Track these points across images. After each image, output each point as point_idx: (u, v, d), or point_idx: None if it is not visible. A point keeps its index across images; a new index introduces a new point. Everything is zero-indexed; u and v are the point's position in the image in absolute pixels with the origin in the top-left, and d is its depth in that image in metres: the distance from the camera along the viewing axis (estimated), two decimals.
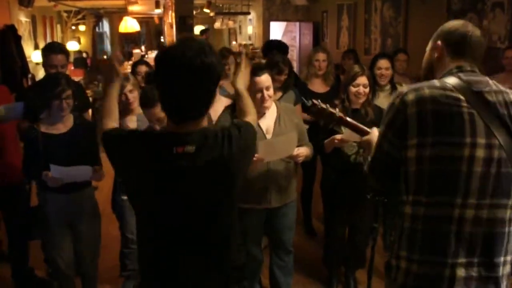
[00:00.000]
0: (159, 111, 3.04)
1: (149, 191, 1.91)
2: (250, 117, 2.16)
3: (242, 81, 2.33)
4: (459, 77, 1.90)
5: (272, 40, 5.99)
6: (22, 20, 10.80)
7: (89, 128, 3.30)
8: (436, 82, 1.92)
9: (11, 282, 3.98)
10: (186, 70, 1.75)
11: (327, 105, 2.64)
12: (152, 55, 13.91)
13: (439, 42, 2.03)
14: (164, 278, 1.96)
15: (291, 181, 3.33)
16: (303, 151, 3.19)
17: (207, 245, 1.94)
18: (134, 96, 3.56)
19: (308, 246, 4.64)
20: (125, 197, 3.32)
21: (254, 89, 3.08)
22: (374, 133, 2.32)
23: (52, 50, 3.80)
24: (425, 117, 1.84)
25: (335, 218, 3.77)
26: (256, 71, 3.14)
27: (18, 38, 8.70)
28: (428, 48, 2.10)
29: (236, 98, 2.34)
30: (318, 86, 4.64)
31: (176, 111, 1.85)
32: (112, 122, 2.15)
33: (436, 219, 1.84)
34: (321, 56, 4.62)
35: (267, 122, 3.21)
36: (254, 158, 2.93)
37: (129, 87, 3.54)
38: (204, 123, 1.91)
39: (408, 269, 1.89)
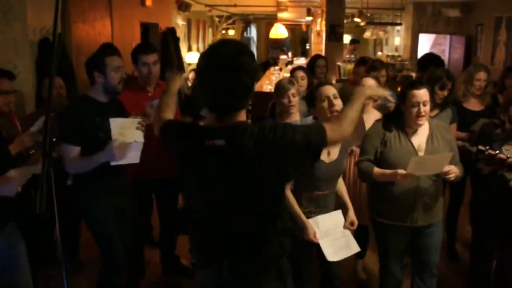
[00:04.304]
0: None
1: (188, 181, 2.09)
2: (337, 125, 2.06)
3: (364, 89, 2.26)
4: None
5: (429, 54, 5.76)
6: (179, 23, 11.57)
7: None
8: None
9: (159, 266, 4.29)
10: (221, 67, 1.85)
11: (497, 151, 2.49)
12: (297, 61, 14.13)
13: None
14: (206, 265, 2.13)
15: (438, 200, 3.20)
16: (455, 169, 3.04)
17: (236, 238, 2.03)
18: (296, 100, 3.61)
19: (450, 272, 4.39)
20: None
21: (410, 103, 3.02)
22: None
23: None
24: None
25: (484, 246, 3.55)
26: (414, 84, 3.08)
27: (176, 40, 9.35)
28: None
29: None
30: (473, 104, 4.41)
31: (213, 106, 1.95)
32: (169, 115, 2.31)
33: None
34: (483, 75, 4.37)
35: (419, 139, 3.11)
36: (401, 173, 2.90)
37: (292, 90, 3.60)
38: (241, 117, 1.95)
39: None
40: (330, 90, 2.97)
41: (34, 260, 3.23)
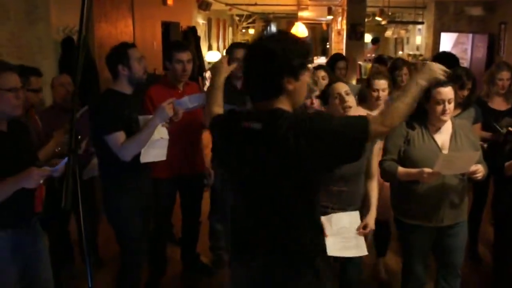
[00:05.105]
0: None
1: (228, 171, 2.14)
2: (382, 117, 1.95)
3: (425, 76, 2.05)
4: None
5: (443, 52, 5.70)
6: (200, 22, 11.62)
7: None
8: None
9: (179, 263, 4.30)
10: (250, 53, 1.99)
11: None
12: (317, 60, 14.10)
13: None
14: (239, 258, 2.13)
15: (464, 198, 3.15)
16: (482, 168, 2.98)
17: (269, 227, 2.00)
18: (317, 101, 3.54)
19: (471, 274, 4.30)
20: None
21: (434, 100, 3.00)
22: None
23: (236, 45, 4.24)
24: None
25: (508, 248, 3.49)
26: (440, 81, 3.05)
27: (198, 39, 9.39)
28: None
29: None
30: (498, 104, 4.35)
31: (249, 90, 2.01)
32: (218, 109, 2.36)
33: None
34: (505, 75, 4.30)
35: (443, 137, 3.08)
36: (428, 171, 2.87)
37: (316, 92, 3.53)
38: (279, 105, 1.93)
39: None
40: (342, 87, 2.98)
41: (55, 257, 3.27)
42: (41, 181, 2.51)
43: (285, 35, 1.98)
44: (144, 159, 3.14)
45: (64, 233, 4.00)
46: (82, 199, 1.87)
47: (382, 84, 3.72)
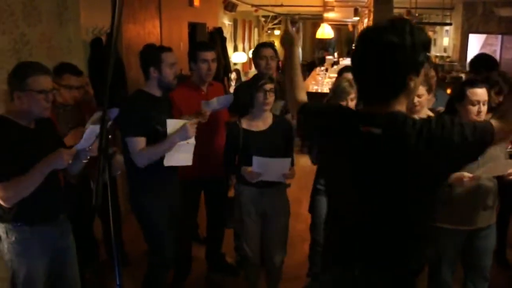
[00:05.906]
0: None
1: (334, 166, 1.93)
2: (505, 122, 1.76)
3: None
4: None
5: (482, 54, 5.55)
6: (226, 23, 11.66)
7: (287, 128, 3.47)
8: None
9: (203, 263, 4.35)
10: (370, 46, 1.72)
11: None
12: (343, 62, 14.04)
13: None
14: (333, 266, 1.95)
15: (496, 201, 3.14)
16: None
17: (378, 238, 1.81)
18: (353, 104, 3.53)
19: (498, 278, 4.22)
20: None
21: (469, 101, 2.96)
22: None
23: (263, 45, 4.26)
24: None
25: None
26: (475, 82, 3.01)
27: (223, 40, 9.42)
28: None
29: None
30: None
31: (363, 90, 1.82)
32: (303, 91, 2.17)
33: None
34: None
35: None
36: (469, 176, 2.82)
37: (352, 94, 3.48)
38: (398, 108, 1.75)
39: None
40: None
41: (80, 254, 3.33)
42: (70, 161, 2.58)
43: (408, 25, 1.70)
44: (168, 162, 3.15)
45: (89, 231, 4.06)
46: (106, 198, 1.90)
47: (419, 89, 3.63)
